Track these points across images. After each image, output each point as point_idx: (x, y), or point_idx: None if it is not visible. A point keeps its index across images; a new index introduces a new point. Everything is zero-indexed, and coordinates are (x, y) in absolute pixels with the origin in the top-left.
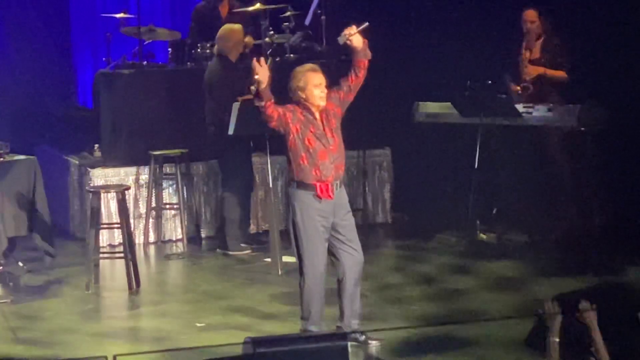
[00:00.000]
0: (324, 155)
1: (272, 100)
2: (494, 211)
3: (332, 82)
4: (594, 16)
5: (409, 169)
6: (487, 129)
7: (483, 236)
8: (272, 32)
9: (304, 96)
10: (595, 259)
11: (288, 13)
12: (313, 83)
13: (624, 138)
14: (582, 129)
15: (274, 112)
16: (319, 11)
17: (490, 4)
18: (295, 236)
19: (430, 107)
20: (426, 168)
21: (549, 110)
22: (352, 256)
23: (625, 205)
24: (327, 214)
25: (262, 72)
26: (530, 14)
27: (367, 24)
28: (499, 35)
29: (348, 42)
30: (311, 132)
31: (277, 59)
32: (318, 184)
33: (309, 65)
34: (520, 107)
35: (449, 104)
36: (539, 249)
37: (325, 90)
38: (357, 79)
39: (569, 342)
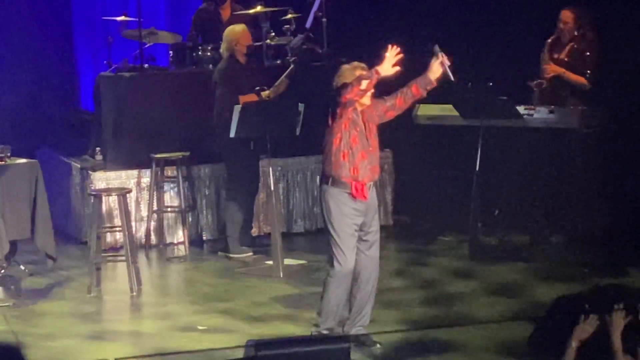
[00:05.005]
0: (364, 155)
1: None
2: (496, 213)
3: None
4: (600, 19)
5: (411, 171)
6: (488, 131)
7: (485, 238)
8: (273, 35)
9: (350, 92)
10: (598, 260)
11: (289, 15)
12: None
13: (626, 139)
14: (584, 130)
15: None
16: (320, 13)
17: (493, 4)
18: (329, 233)
19: (432, 109)
20: (428, 170)
21: (551, 112)
22: (370, 258)
23: (628, 207)
24: (360, 213)
25: (389, 62)
26: (564, 15)
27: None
28: (501, 36)
29: (440, 59)
30: (356, 131)
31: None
32: (353, 183)
33: (356, 63)
34: (521, 109)
35: (450, 106)
36: (541, 251)
37: (371, 90)
38: (404, 104)
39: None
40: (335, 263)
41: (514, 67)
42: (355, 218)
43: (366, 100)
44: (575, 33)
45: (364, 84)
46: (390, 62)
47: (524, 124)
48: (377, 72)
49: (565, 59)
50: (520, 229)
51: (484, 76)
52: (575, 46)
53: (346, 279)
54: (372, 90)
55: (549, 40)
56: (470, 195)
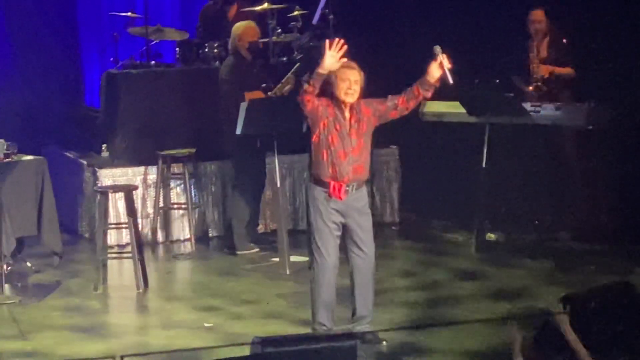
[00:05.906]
0: (343, 155)
1: (316, 91)
2: (503, 210)
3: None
4: (601, 14)
5: (417, 168)
6: (494, 128)
7: (492, 235)
8: (279, 32)
9: (333, 89)
10: (604, 258)
11: (295, 12)
12: (340, 77)
13: (632, 136)
14: (591, 127)
15: (311, 99)
16: (327, 10)
17: (498, 2)
18: (309, 231)
19: (438, 106)
20: (434, 167)
21: (557, 109)
22: (361, 259)
23: (635, 204)
24: (338, 213)
25: (331, 57)
26: (537, 15)
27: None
28: (507, 33)
29: (440, 61)
30: (336, 130)
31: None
32: (332, 183)
33: (345, 61)
34: (527, 105)
35: (456, 102)
36: (547, 248)
37: (355, 88)
38: (407, 104)
39: (542, 351)
40: (314, 263)
41: (516, 66)
42: (333, 217)
43: (349, 98)
44: (548, 28)
45: (305, 85)
46: (331, 58)
47: (530, 121)
48: (315, 72)
49: (546, 55)
50: (526, 226)
51: (489, 74)
52: (551, 39)
53: (326, 278)
54: (356, 89)
55: (532, 44)
56: (477, 192)
